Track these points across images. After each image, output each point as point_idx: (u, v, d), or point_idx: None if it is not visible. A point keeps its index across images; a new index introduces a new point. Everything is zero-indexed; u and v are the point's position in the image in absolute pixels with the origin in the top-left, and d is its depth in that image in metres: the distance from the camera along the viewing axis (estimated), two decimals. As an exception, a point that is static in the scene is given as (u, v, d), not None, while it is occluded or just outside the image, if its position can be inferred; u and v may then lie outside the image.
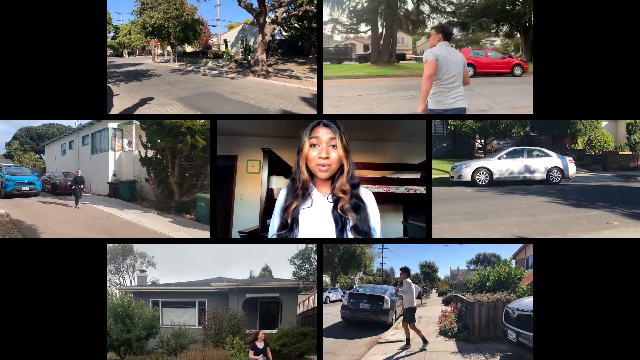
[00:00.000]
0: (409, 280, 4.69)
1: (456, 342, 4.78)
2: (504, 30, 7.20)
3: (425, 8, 7.27)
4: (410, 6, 7.33)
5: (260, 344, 4.57)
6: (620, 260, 3.95)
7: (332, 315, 5.25)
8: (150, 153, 6.95)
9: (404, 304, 4.70)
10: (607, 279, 3.94)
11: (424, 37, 7.81)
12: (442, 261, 5.19)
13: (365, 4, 7.30)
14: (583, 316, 3.92)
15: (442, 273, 5.41)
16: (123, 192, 7.27)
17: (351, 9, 7.39)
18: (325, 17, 7.14)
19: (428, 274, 5.33)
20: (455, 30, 7.16)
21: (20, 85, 4.05)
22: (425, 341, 4.63)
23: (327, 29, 7.44)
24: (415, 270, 5.20)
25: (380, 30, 7.63)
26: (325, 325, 4.70)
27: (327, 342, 4.57)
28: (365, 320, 5.13)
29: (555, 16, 4.15)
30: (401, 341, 4.70)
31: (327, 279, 5.52)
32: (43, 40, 4.04)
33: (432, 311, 5.50)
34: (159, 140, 6.64)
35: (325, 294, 5.45)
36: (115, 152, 7.51)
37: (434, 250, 4.74)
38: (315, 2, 4.44)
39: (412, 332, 4.68)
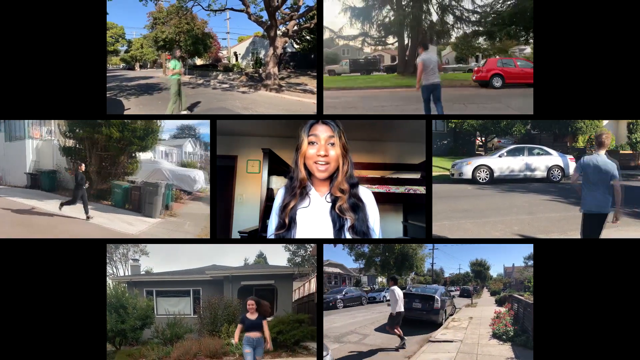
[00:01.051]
0: (393, 288, 4.75)
1: (512, 346, 4.47)
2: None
3: (450, 18, 7.26)
4: (435, 17, 7.35)
5: (252, 316, 4.03)
6: (621, 259, 3.93)
7: (388, 313, 5.26)
8: (70, 142, 6.84)
9: (392, 310, 4.74)
10: (607, 278, 3.91)
11: (448, 47, 7.92)
12: (494, 258, 4.94)
13: (392, 17, 7.37)
14: (583, 316, 3.89)
15: (495, 271, 5.21)
16: (43, 182, 6.84)
17: (379, 22, 7.51)
18: (356, 31, 7.52)
19: (479, 272, 5.20)
20: (480, 40, 7.35)
21: (20, 85, 4.10)
22: (402, 339, 4.63)
23: (357, 42, 7.81)
24: (465, 268, 5.17)
25: (406, 42, 7.75)
26: (380, 323, 5.02)
27: (383, 337, 4.74)
28: (417, 318, 5.16)
29: (555, 16, 4.14)
30: (452, 341, 4.70)
31: (383, 280, 5.72)
32: (44, 38, 4.09)
33: (483, 312, 5.36)
34: (77, 130, 6.66)
35: (382, 294, 5.77)
36: (33, 141, 7.02)
37: (486, 248, 4.57)
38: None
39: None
